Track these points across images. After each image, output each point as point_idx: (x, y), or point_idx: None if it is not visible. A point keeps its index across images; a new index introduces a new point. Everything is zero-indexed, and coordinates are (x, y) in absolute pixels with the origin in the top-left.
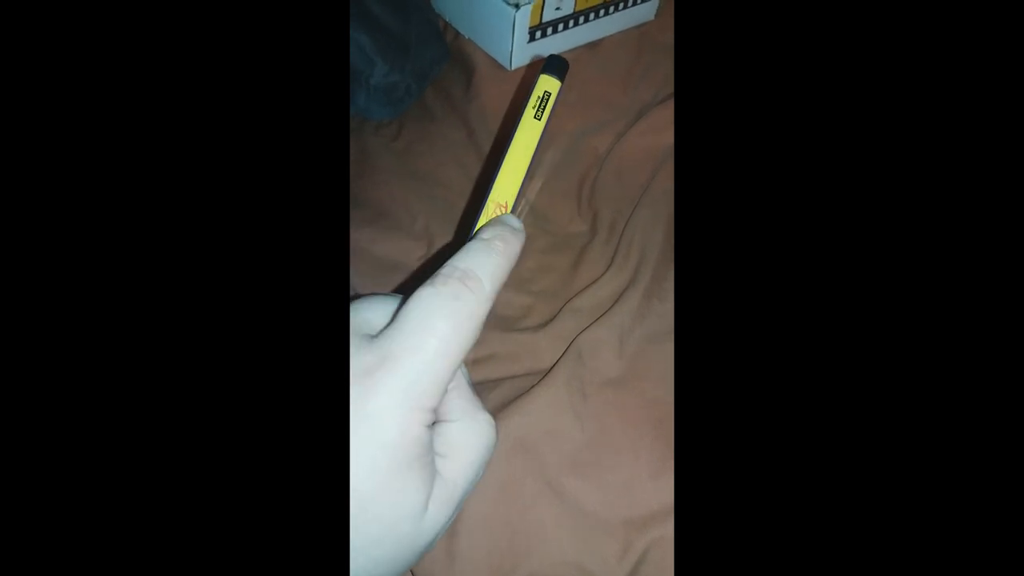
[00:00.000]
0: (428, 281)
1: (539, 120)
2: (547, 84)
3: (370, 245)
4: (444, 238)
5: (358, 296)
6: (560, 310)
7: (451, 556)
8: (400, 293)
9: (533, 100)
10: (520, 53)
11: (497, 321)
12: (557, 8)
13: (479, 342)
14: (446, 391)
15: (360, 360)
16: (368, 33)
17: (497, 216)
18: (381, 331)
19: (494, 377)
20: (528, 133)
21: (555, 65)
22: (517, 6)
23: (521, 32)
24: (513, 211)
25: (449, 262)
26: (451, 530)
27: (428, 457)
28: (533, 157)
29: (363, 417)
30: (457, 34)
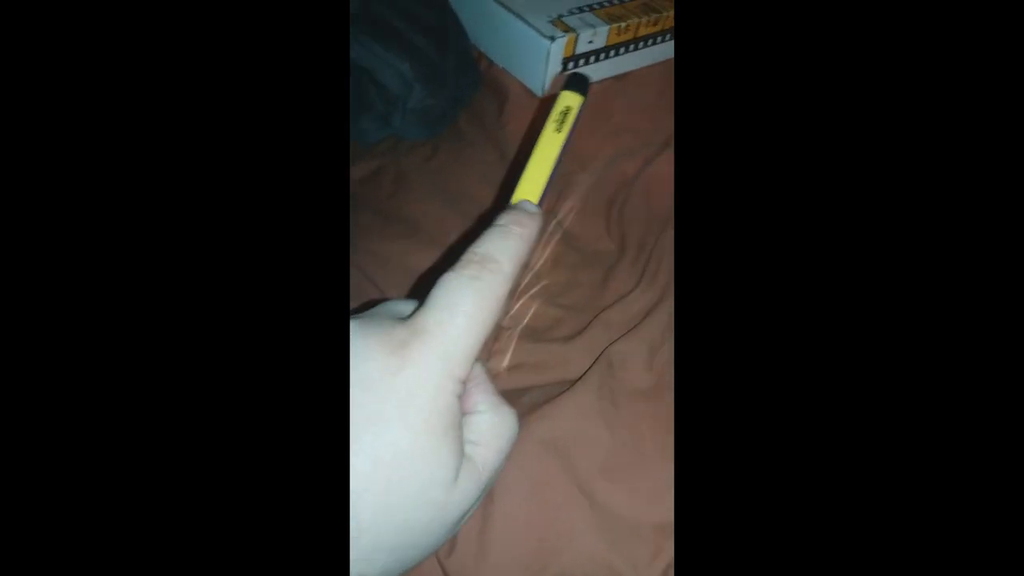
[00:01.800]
0: (451, 268)
1: (559, 133)
2: (568, 99)
3: (404, 257)
4: None
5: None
6: (590, 322)
7: (483, 551)
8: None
9: (554, 114)
10: (552, 82)
11: (527, 331)
12: (590, 41)
13: (509, 351)
14: (473, 364)
15: (395, 335)
16: (410, 62)
17: (513, 204)
18: (410, 314)
19: (524, 385)
20: (548, 146)
21: (576, 81)
22: (553, 39)
23: (555, 62)
24: None
25: (469, 248)
26: (483, 526)
27: (458, 430)
28: (553, 170)
29: (400, 382)
30: (490, 63)
